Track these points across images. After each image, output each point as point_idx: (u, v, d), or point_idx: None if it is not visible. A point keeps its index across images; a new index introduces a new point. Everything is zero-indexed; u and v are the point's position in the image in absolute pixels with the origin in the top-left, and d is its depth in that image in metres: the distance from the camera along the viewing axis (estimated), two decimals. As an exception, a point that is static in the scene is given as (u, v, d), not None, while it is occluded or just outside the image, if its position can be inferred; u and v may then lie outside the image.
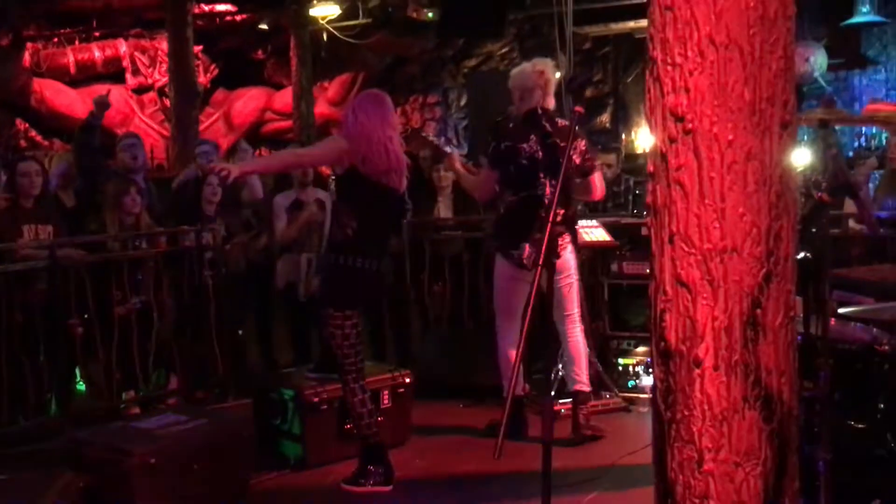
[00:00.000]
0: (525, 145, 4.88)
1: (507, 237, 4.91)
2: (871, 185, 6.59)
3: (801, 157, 4.75)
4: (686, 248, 2.36)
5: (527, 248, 4.79)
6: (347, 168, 4.31)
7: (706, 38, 2.33)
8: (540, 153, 4.86)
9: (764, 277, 2.34)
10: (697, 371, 2.39)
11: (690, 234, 2.36)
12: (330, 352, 4.62)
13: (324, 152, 4.65)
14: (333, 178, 7.12)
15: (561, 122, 4.95)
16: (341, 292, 4.39)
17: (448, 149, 10.53)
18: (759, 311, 2.35)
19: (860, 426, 3.84)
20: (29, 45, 12.75)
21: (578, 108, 3.11)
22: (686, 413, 2.42)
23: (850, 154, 8.88)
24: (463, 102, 12.97)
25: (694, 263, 2.36)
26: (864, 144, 9.60)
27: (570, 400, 5.16)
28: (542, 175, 4.82)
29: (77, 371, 5.95)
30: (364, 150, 4.26)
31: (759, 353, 2.38)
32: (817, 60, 9.41)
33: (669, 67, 2.37)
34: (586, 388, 5.15)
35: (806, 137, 5.93)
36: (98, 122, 6.26)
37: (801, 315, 3.22)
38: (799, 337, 2.89)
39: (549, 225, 2.69)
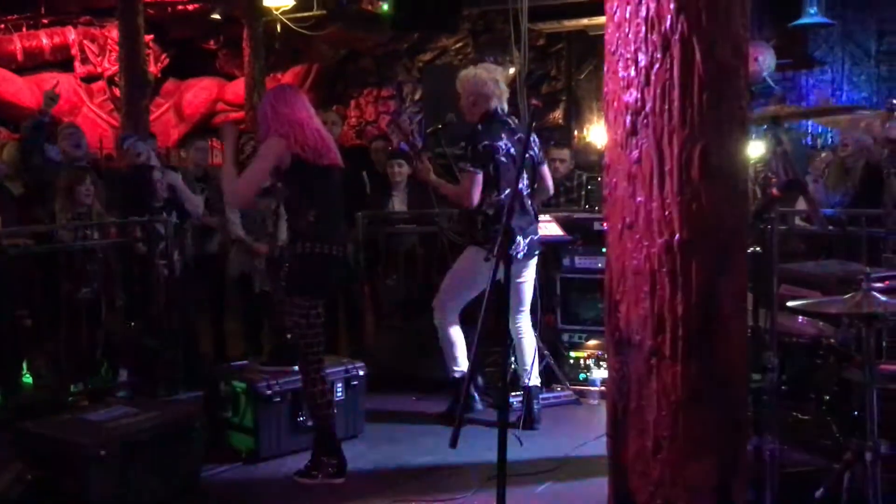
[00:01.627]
0: (500, 143, 4.96)
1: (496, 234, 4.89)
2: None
3: (753, 152, 4.85)
4: (642, 240, 2.41)
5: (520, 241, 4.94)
6: (291, 161, 4.32)
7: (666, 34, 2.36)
8: (512, 149, 4.95)
9: (719, 269, 2.39)
10: (653, 361, 2.43)
11: (647, 225, 2.40)
12: (285, 343, 4.59)
13: (268, 161, 4.33)
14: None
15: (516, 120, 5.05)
16: (309, 280, 4.39)
17: (399, 143, 10.53)
18: (713, 302, 2.39)
19: (806, 417, 3.94)
20: (-26, 31, 12.49)
21: (536, 103, 3.14)
22: (642, 403, 2.46)
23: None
24: (417, 96, 12.95)
25: (650, 255, 2.40)
26: (810, 144, 9.80)
27: (522, 393, 5.22)
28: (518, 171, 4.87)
29: (24, 363, 5.85)
30: (300, 136, 4.32)
31: (714, 344, 2.43)
32: (766, 60, 9.56)
33: (628, 62, 2.40)
34: (538, 381, 5.27)
35: (755, 135, 6.03)
36: (47, 118, 6.17)
37: (751, 308, 3.28)
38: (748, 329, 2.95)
39: (509, 218, 2.70)
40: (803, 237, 6.32)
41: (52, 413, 4.72)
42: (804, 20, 9.37)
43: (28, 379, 5.93)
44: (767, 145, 3.62)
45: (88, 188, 5.74)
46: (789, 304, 3.55)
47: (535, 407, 5.20)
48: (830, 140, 9.41)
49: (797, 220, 6.22)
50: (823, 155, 7.38)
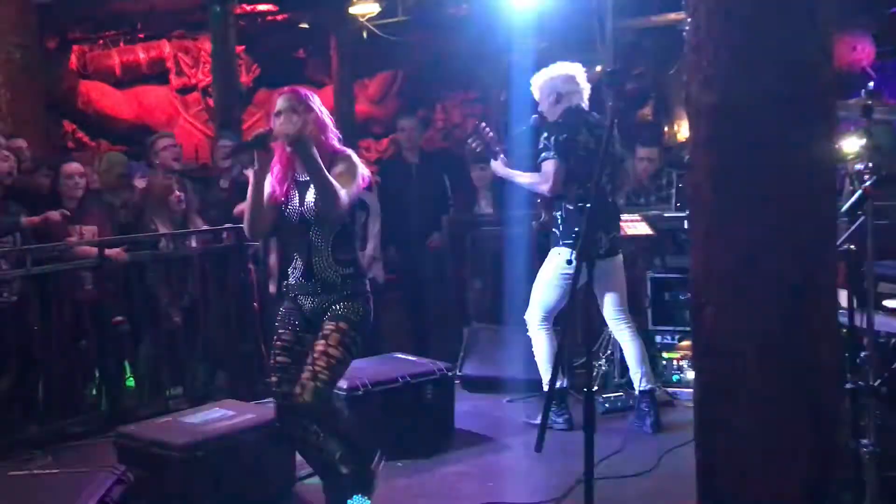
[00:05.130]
0: (580, 138, 4.95)
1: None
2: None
3: (850, 146, 4.69)
4: (727, 241, 2.36)
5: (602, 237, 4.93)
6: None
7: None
8: (592, 144, 4.92)
9: (807, 270, 2.33)
10: (741, 364, 2.38)
11: (731, 225, 2.36)
12: None
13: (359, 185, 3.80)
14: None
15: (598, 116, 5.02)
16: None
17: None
18: (803, 303, 2.33)
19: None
20: (75, 47, 12.92)
21: (616, 102, 3.11)
22: (731, 405, 2.41)
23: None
24: (503, 98, 12.94)
25: (735, 257, 2.35)
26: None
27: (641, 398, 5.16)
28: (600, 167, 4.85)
29: (127, 368, 6.05)
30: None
31: (805, 346, 2.37)
32: (864, 49, 9.26)
33: (709, 59, 2.36)
34: (652, 384, 5.20)
35: (853, 127, 5.84)
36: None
37: (846, 307, 3.18)
38: (843, 329, 2.86)
39: (591, 219, 2.68)
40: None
41: (152, 416, 4.88)
42: (906, 6, 9.02)
43: (131, 383, 6.13)
44: (860, 139, 3.51)
45: (180, 196, 5.90)
46: (886, 303, 3.43)
47: (656, 410, 5.13)
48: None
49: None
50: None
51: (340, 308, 3.71)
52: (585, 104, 5.14)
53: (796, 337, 2.35)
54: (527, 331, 5.28)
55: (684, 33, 2.41)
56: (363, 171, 3.80)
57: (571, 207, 4.99)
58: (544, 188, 5.05)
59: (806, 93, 2.28)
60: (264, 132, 3.59)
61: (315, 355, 3.63)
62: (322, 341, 3.65)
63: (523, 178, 5.26)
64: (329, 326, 3.68)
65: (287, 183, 3.74)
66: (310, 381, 3.59)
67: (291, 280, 3.82)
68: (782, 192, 2.31)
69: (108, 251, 5.54)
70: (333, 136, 3.80)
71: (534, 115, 5.42)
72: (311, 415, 3.67)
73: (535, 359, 5.24)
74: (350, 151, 3.82)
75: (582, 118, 5.06)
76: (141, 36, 13.32)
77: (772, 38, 2.28)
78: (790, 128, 2.29)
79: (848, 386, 2.90)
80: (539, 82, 5.18)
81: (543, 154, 5.03)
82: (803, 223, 2.32)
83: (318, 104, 3.81)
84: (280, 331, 3.83)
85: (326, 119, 3.79)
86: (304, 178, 3.71)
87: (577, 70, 5.15)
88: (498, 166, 5.33)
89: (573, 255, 3.01)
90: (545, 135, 5.06)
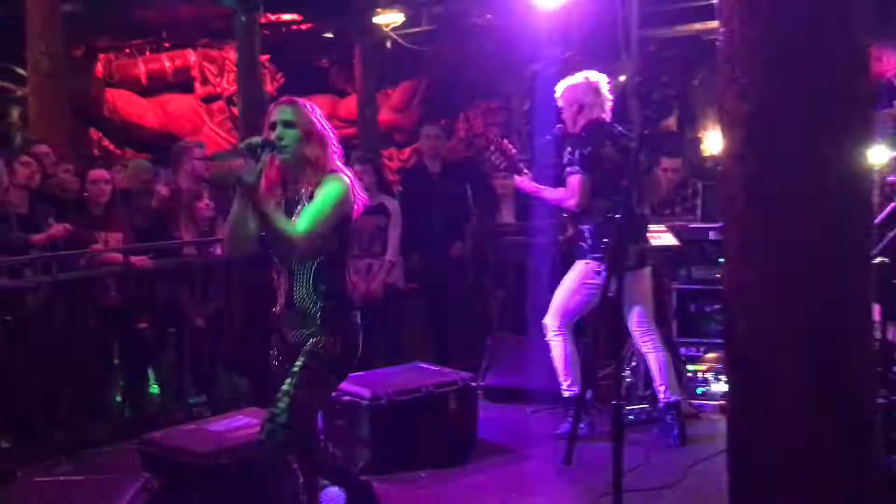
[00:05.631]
0: (604, 151, 4.91)
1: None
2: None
3: (878, 157, 4.65)
4: (760, 253, 2.33)
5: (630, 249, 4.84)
6: None
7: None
8: (617, 157, 4.92)
9: (842, 282, 2.30)
10: (774, 378, 2.35)
11: (765, 238, 2.33)
12: None
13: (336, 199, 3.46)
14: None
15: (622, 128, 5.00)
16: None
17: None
18: (837, 316, 2.30)
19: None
20: (101, 56, 13.03)
21: (647, 113, 3.09)
22: (764, 419, 2.38)
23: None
24: (526, 108, 12.92)
25: (770, 270, 2.32)
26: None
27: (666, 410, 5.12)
28: (622, 181, 4.83)
29: (150, 374, 6.07)
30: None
31: (838, 360, 2.33)
32: (889, 60, 9.18)
33: (743, 70, 2.34)
34: (678, 396, 5.16)
35: (880, 138, 5.78)
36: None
37: (879, 321, 3.14)
38: (876, 344, 2.82)
39: (621, 231, 2.66)
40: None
41: (175, 423, 4.88)
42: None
43: (154, 390, 6.15)
44: (889, 150, 3.47)
45: (209, 204, 5.92)
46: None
47: (681, 422, 5.09)
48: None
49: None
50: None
51: (313, 344, 3.41)
52: (608, 116, 5.10)
53: (829, 351, 2.32)
54: (546, 339, 5.25)
55: (717, 43, 2.39)
56: (348, 195, 3.39)
57: (600, 220, 4.94)
58: (571, 203, 5.01)
59: (842, 104, 2.26)
60: (256, 141, 3.25)
61: (278, 394, 3.39)
62: (288, 379, 3.38)
63: (549, 193, 5.22)
64: (298, 363, 3.39)
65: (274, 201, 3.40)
66: (266, 422, 3.37)
67: (276, 309, 3.57)
68: (817, 204, 2.28)
69: (132, 259, 5.56)
70: (334, 153, 3.48)
71: (557, 126, 5.39)
72: (263, 457, 3.47)
73: (555, 364, 5.21)
74: (342, 174, 3.43)
75: (605, 131, 5.02)
76: (166, 45, 13.42)
77: (807, 48, 2.25)
78: (826, 139, 2.26)
79: (880, 401, 2.86)
80: (562, 92, 5.16)
81: (568, 169, 5.00)
82: (838, 236, 2.28)
83: (319, 117, 3.50)
84: (273, 364, 3.63)
85: (327, 133, 3.49)
86: (295, 195, 3.47)
87: (601, 80, 5.12)
88: (524, 182, 5.28)
89: (602, 268, 2.98)
90: (569, 149, 5.03)
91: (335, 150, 3.50)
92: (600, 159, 4.93)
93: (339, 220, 3.38)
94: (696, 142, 11.34)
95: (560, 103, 5.17)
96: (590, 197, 4.97)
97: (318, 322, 3.42)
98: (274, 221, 3.23)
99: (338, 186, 3.37)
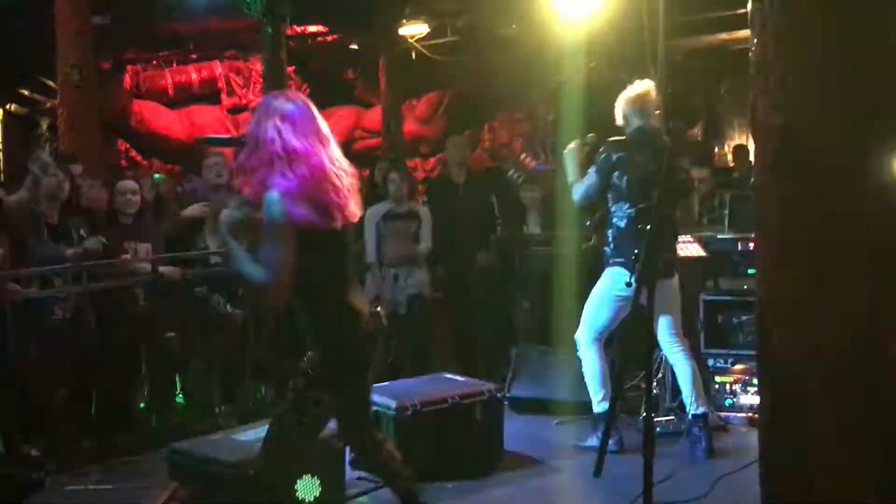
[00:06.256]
0: (638, 157, 4.89)
1: (631, 250, 4.82)
2: None
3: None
4: (795, 265, 2.31)
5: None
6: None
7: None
8: (652, 166, 4.85)
9: (879, 292, 2.27)
10: (808, 391, 2.32)
11: (800, 250, 2.30)
12: None
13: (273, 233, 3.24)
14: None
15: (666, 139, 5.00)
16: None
17: (535, 164, 10.55)
18: (873, 327, 2.27)
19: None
20: (129, 67, 13.17)
21: (679, 124, 3.08)
22: (797, 432, 2.35)
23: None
24: (550, 118, 12.92)
25: (804, 282, 2.30)
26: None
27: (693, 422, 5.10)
28: (654, 189, 4.82)
29: (178, 384, 6.11)
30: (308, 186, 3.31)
31: (874, 371, 2.31)
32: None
33: (776, 80, 2.32)
34: (705, 408, 5.13)
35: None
36: None
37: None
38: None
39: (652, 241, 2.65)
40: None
41: (203, 433, 4.91)
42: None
43: (180, 399, 6.19)
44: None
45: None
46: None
47: (708, 434, 5.05)
48: None
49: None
50: None
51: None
52: (652, 125, 5.07)
53: (863, 364, 2.29)
54: (576, 352, 5.24)
55: (750, 54, 2.37)
56: (280, 213, 3.05)
57: (622, 226, 4.94)
58: (573, 193, 5.15)
59: (878, 114, 2.24)
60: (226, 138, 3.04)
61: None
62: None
63: (571, 175, 5.23)
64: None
65: None
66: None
67: None
68: (852, 217, 2.25)
69: (161, 268, 5.61)
70: (283, 165, 3.11)
71: (589, 135, 5.35)
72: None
73: (585, 379, 5.19)
74: (277, 191, 3.07)
75: (648, 138, 4.99)
76: (193, 56, 13.54)
77: (843, 57, 2.23)
78: (861, 151, 2.24)
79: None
80: (618, 102, 5.16)
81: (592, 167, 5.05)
82: (873, 249, 2.26)
83: (281, 118, 3.16)
84: None
85: (290, 142, 3.14)
86: None
87: (646, 90, 5.10)
88: (571, 152, 5.25)
89: (632, 279, 2.96)
90: (601, 149, 5.06)
91: (300, 158, 3.16)
92: (630, 164, 4.91)
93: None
94: (722, 152, 11.29)
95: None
96: (613, 202, 4.96)
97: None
98: (244, 264, 3.21)
99: (271, 213, 3.08)
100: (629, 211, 4.92)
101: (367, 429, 3.70)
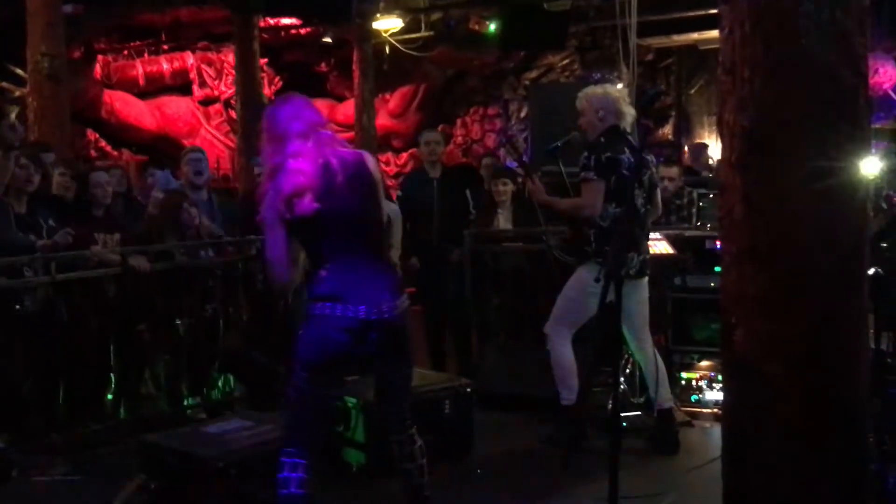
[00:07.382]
0: (623, 157, 4.92)
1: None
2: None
3: (872, 169, 4.68)
4: (758, 263, 2.36)
5: (634, 258, 4.92)
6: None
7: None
8: (633, 165, 4.89)
9: (838, 292, 2.33)
10: (770, 386, 2.38)
11: (763, 248, 2.36)
12: None
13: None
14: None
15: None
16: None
17: (508, 160, 10.57)
18: (832, 326, 2.33)
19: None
20: (100, 57, 13.07)
21: (646, 122, 3.12)
22: (759, 428, 2.41)
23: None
24: (523, 114, 12.99)
25: (768, 279, 2.35)
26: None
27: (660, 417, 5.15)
28: (636, 187, 4.88)
29: (146, 376, 6.08)
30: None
31: (833, 370, 2.36)
32: (886, 72, 9.26)
33: (743, 81, 2.37)
34: (671, 403, 5.20)
35: (873, 150, 5.82)
36: None
37: (873, 331, 3.18)
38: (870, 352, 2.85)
39: (621, 238, 2.69)
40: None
41: (170, 425, 4.90)
42: (927, 29, 9.03)
43: (149, 390, 6.16)
44: (885, 162, 3.51)
45: (189, 210, 5.88)
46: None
47: (674, 430, 5.12)
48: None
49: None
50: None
51: None
52: (628, 128, 5.11)
53: (827, 360, 2.35)
54: (546, 347, 5.27)
55: (720, 57, 2.42)
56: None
57: (604, 225, 4.94)
58: (587, 213, 4.95)
59: (841, 116, 2.29)
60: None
61: None
62: None
63: (563, 204, 5.19)
64: None
65: None
66: None
67: None
68: (816, 214, 2.31)
69: (131, 261, 5.58)
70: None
71: (574, 132, 5.35)
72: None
73: (553, 373, 5.22)
74: None
75: (624, 138, 5.02)
76: (165, 47, 13.46)
77: (807, 61, 2.28)
78: (825, 151, 2.29)
79: (874, 411, 2.89)
80: (588, 97, 5.14)
81: (583, 174, 4.96)
82: (836, 246, 2.32)
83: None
84: None
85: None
86: None
87: (625, 95, 5.17)
88: (539, 193, 5.24)
89: (601, 274, 2.99)
90: (585, 153, 5.01)
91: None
92: (619, 165, 4.92)
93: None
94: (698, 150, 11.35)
95: (583, 105, 5.13)
96: (603, 202, 4.99)
97: None
98: None
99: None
100: (614, 211, 4.94)
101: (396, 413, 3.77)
